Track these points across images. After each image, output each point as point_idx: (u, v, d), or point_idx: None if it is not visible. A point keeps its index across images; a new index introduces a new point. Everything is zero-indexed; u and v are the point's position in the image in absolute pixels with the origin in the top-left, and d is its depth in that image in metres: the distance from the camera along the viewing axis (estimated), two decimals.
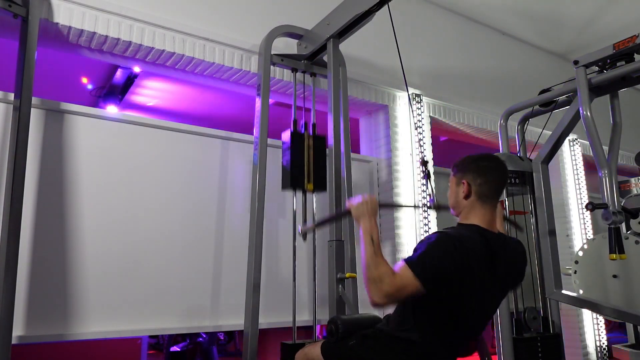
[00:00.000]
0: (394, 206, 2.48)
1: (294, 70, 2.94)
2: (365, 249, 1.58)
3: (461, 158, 1.75)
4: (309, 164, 2.68)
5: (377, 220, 1.70)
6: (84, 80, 4.76)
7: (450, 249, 1.51)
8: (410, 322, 1.60)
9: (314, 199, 2.77)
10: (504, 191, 2.74)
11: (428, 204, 2.37)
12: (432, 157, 3.58)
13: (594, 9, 4.31)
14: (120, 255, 2.53)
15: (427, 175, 2.34)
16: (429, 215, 3.30)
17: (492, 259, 1.60)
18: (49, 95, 2.68)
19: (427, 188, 3.02)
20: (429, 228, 3.23)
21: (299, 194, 2.78)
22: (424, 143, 3.48)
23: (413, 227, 3.30)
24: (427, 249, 1.52)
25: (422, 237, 1.66)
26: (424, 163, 2.56)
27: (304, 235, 2.07)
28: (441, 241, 1.53)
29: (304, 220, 2.74)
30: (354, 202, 1.73)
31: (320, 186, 2.70)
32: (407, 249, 3.26)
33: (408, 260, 1.50)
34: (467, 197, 1.66)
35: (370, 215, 1.67)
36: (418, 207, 2.50)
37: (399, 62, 2.49)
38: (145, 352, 4.11)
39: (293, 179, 2.63)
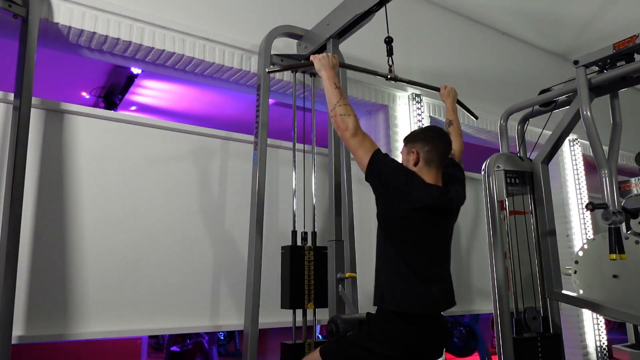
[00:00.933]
0: (353, 68, 2.45)
1: (294, 70, 2.94)
2: (332, 92, 1.95)
3: (411, 131, 2.05)
4: (309, 280, 2.55)
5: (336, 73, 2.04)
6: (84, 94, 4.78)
7: (403, 170, 1.81)
8: (384, 275, 1.79)
9: (315, 315, 2.65)
10: (504, 191, 2.75)
11: (389, 76, 2.40)
12: None
13: (594, 9, 4.31)
14: (120, 255, 2.53)
15: None
16: None
17: (438, 205, 1.80)
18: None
19: None
20: None
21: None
22: None
23: None
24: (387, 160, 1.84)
25: None
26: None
27: (270, 72, 2.42)
28: (400, 164, 1.87)
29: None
30: (317, 56, 2.09)
31: (321, 303, 2.57)
32: None
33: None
34: (416, 163, 1.87)
35: (330, 67, 2.04)
36: (377, 73, 2.46)
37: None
38: (145, 352, 4.11)
39: (292, 300, 2.50)
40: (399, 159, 1.99)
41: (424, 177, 1.83)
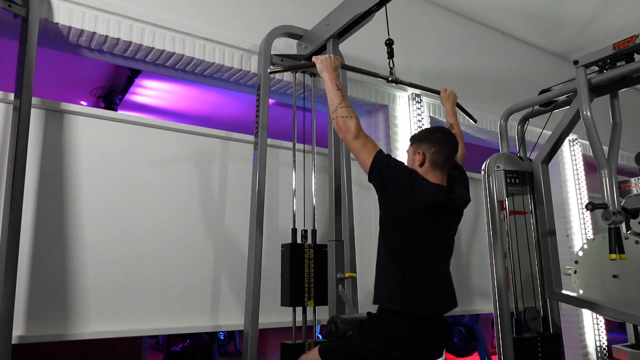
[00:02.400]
0: (355, 70, 2.45)
1: (294, 70, 2.94)
2: (333, 94, 1.94)
3: (418, 131, 2.01)
4: (309, 278, 2.57)
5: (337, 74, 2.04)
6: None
7: (406, 171, 1.80)
8: (387, 275, 1.79)
9: (316, 313, 2.65)
10: (504, 191, 2.75)
11: (389, 78, 2.40)
12: None
13: (594, 9, 4.31)
14: (120, 255, 2.53)
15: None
16: None
17: (443, 203, 1.79)
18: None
19: None
20: None
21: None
22: None
23: None
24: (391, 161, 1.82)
25: None
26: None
27: (272, 72, 2.45)
28: (403, 164, 1.85)
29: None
30: (319, 58, 2.09)
31: (321, 301, 2.58)
32: None
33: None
34: (422, 164, 1.85)
35: (332, 68, 2.03)
36: (378, 75, 2.45)
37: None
38: (145, 352, 4.11)
39: (292, 297, 2.51)
40: (402, 158, 1.99)
41: (429, 178, 1.82)
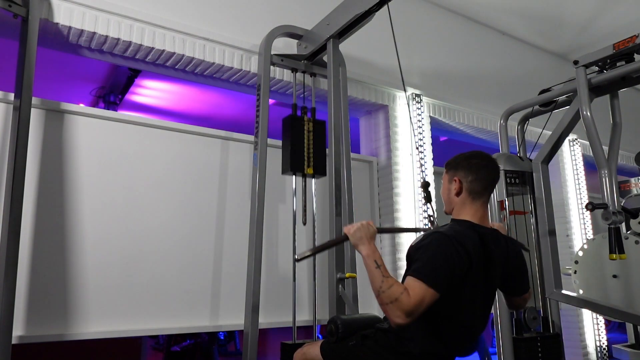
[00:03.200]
0: (392, 231, 2.45)
1: (294, 70, 2.95)
2: (373, 274, 1.55)
3: (454, 156, 1.77)
4: (308, 148, 2.73)
5: (375, 244, 1.66)
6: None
7: (450, 250, 1.51)
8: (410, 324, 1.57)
9: (314, 184, 2.84)
10: (504, 191, 2.75)
11: (428, 227, 2.23)
12: (432, 157, 3.58)
13: (594, 9, 4.31)
14: (120, 255, 2.53)
15: (428, 199, 2.25)
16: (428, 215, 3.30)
17: (487, 256, 1.61)
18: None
19: (427, 209, 2.89)
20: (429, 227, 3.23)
21: (299, 180, 2.82)
22: (424, 143, 3.48)
23: (412, 225, 3.30)
24: (430, 254, 1.51)
25: (416, 240, 1.65)
26: (425, 185, 2.23)
27: (300, 260, 1.99)
28: (441, 244, 1.53)
29: (304, 207, 2.78)
30: (351, 228, 1.69)
31: (320, 171, 2.75)
32: (405, 248, 3.25)
33: (416, 273, 1.48)
34: (458, 194, 1.70)
35: (369, 240, 1.65)
36: (419, 229, 2.43)
37: (399, 62, 2.49)
38: (145, 352, 4.11)
39: (293, 163, 2.68)
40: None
41: (468, 210, 1.68)
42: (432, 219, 2.19)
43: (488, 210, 1.73)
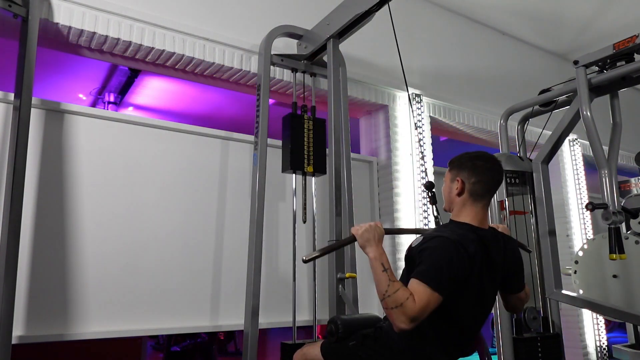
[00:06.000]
0: (400, 232, 2.44)
1: (294, 70, 2.95)
2: (379, 277, 1.52)
3: (459, 155, 1.76)
4: (308, 146, 2.74)
5: (382, 246, 1.64)
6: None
7: (454, 254, 1.50)
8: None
9: (314, 182, 2.85)
10: (504, 191, 2.75)
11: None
12: (432, 157, 3.59)
13: (594, 9, 4.31)
14: (120, 255, 2.53)
15: (433, 201, 2.23)
16: (428, 215, 3.30)
17: (488, 259, 1.62)
18: None
19: (431, 211, 2.86)
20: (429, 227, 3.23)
21: (299, 179, 2.82)
22: (424, 143, 3.48)
23: (412, 225, 3.31)
24: (434, 257, 1.50)
25: (417, 242, 1.64)
26: (430, 186, 2.20)
27: (308, 261, 1.94)
28: (445, 247, 1.52)
29: (304, 206, 2.78)
30: (359, 229, 1.67)
31: (320, 169, 2.76)
32: (405, 248, 3.26)
33: (421, 276, 1.47)
34: (460, 194, 1.68)
35: (377, 242, 1.63)
36: (424, 231, 2.43)
37: (399, 62, 2.49)
38: (145, 352, 4.10)
39: (293, 161, 2.69)
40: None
41: (468, 212, 1.67)
42: (437, 219, 2.19)
43: (488, 212, 1.72)
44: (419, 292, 1.44)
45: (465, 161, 1.71)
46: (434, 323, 1.57)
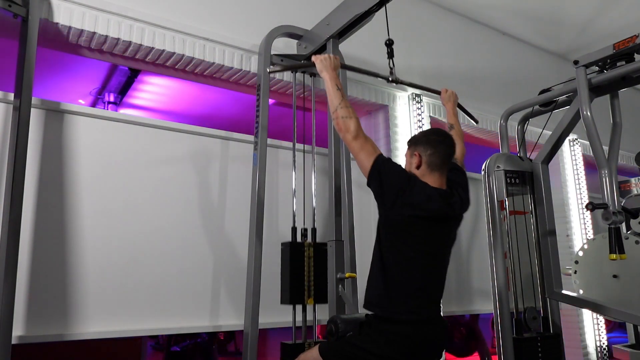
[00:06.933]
0: (355, 69, 2.45)
1: (294, 70, 2.94)
2: (334, 93, 1.94)
3: (415, 134, 2.03)
4: (309, 276, 2.58)
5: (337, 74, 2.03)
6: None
7: (404, 175, 1.80)
8: (379, 280, 1.79)
9: (315, 315, 2.67)
10: (504, 191, 2.75)
11: (390, 78, 2.38)
12: None
13: (594, 9, 4.31)
14: (120, 255, 2.53)
15: None
16: None
17: (444, 209, 1.79)
18: None
19: None
20: None
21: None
22: None
23: None
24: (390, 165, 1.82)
25: None
26: None
27: (270, 72, 2.45)
28: (402, 168, 1.84)
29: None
30: (318, 57, 2.08)
31: (321, 299, 2.59)
32: None
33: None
34: (418, 166, 1.86)
35: (332, 68, 2.03)
36: (378, 75, 2.44)
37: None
38: (145, 352, 4.10)
39: (292, 295, 2.52)
40: (400, 160, 1.99)
41: (427, 181, 1.82)
42: None
43: (445, 180, 1.89)
44: (367, 144, 1.86)
45: (420, 137, 1.94)
46: (394, 264, 1.77)
